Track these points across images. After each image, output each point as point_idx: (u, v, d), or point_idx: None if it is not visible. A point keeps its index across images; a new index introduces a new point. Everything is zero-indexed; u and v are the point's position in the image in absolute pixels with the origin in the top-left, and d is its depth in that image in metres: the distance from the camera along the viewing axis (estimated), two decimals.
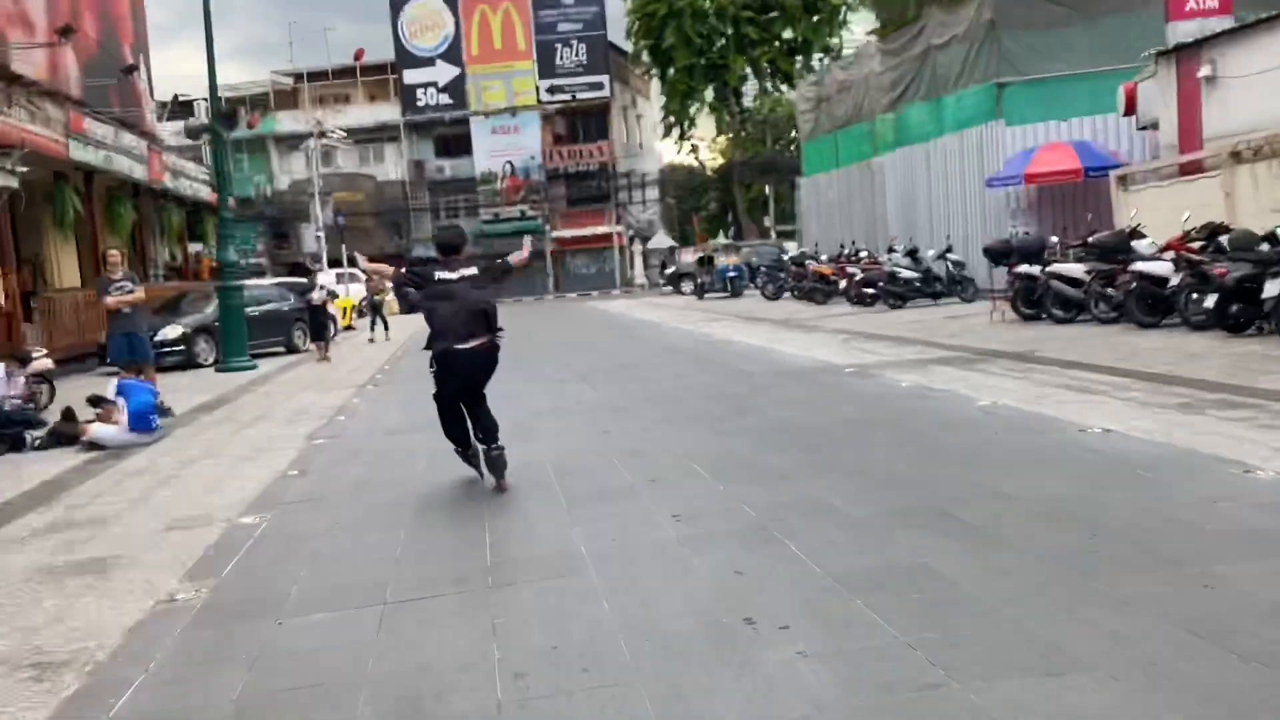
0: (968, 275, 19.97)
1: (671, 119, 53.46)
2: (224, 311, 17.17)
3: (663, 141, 55.42)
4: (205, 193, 28.36)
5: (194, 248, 31.11)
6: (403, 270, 6.82)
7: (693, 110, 53.55)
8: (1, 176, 14.11)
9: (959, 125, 21.04)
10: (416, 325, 10.10)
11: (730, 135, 55.95)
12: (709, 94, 53.59)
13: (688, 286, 36.86)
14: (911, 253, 21.12)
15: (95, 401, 9.51)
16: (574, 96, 51.89)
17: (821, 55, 50.33)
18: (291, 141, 51.59)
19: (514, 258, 7.53)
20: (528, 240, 7.95)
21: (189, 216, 29.70)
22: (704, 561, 4.25)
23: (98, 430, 9.13)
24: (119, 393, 9.38)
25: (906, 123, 23.47)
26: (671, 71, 51.48)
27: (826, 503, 5.06)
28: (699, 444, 7.00)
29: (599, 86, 51.77)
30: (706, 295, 31.85)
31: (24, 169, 15.18)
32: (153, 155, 23.44)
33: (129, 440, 9.15)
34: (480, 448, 6.50)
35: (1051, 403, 7.72)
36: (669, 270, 41.02)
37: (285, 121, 52.97)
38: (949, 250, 20.24)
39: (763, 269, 29.13)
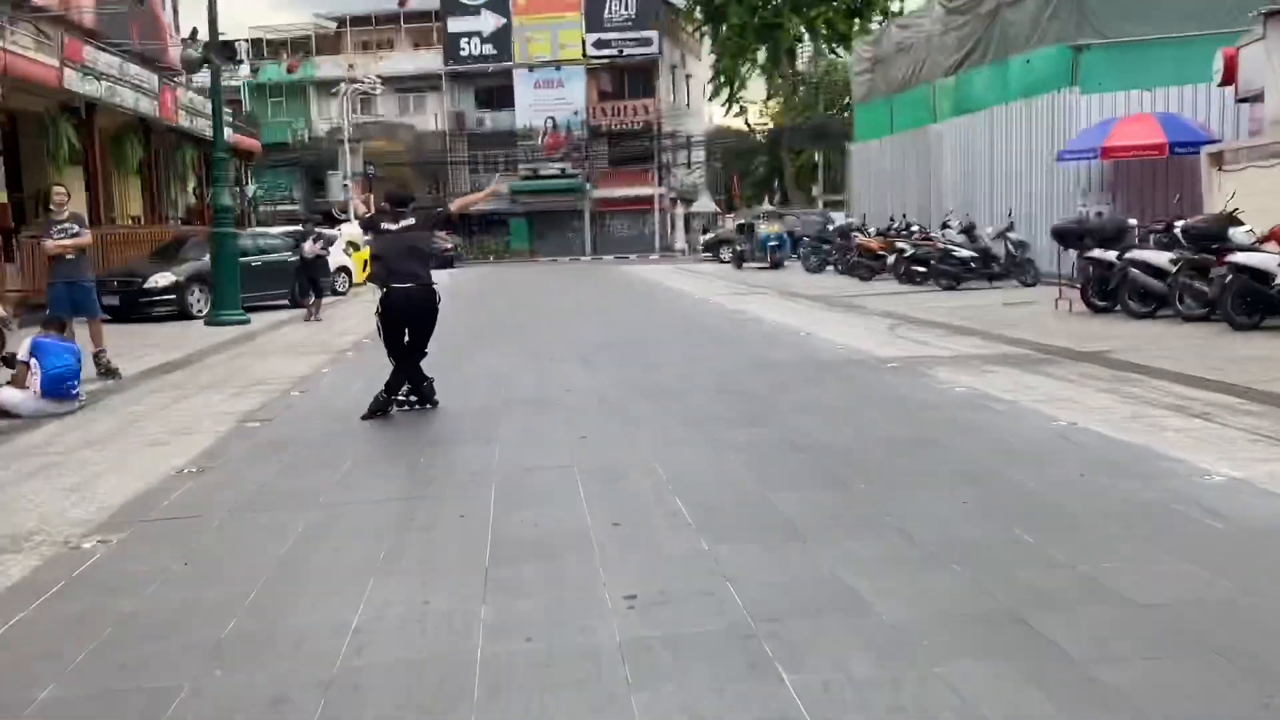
0: (1029, 257, 18.16)
1: (721, 79, 51.35)
2: (216, 260, 15.87)
3: (711, 102, 53.32)
4: (228, 134, 27.07)
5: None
6: (367, 216, 8.42)
7: (744, 71, 51.40)
8: None
9: (1027, 92, 19.08)
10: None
11: (781, 98, 53.75)
12: (761, 55, 51.37)
13: (727, 254, 35.23)
14: (968, 229, 19.31)
15: (8, 361, 8.21)
16: (621, 52, 49.99)
17: (881, 19, 47.93)
18: (331, 87, 50.29)
19: (454, 204, 8.69)
20: (496, 180, 8.56)
21: (209, 158, 28.54)
22: (648, 708, 2.73)
23: (4, 395, 7.82)
24: (33, 352, 8.03)
25: (969, 88, 21.53)
26: (724, 29, 49.35)
27: (852, 591, 3.51)
28: (693, 465, 5.49)
29: (647, 43, 49.81)
30: (745, 265, 30.19)
31: None
32: (165, 91, 22.14)
33: (40, 409, 7.83)
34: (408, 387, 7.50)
35: (1146, 428, 6.10)
36: (708, 236, 39.35)
37: (325, 67, 51.64)
38: (1010, 229, 18.41)
39: (806, 239, 27.40)
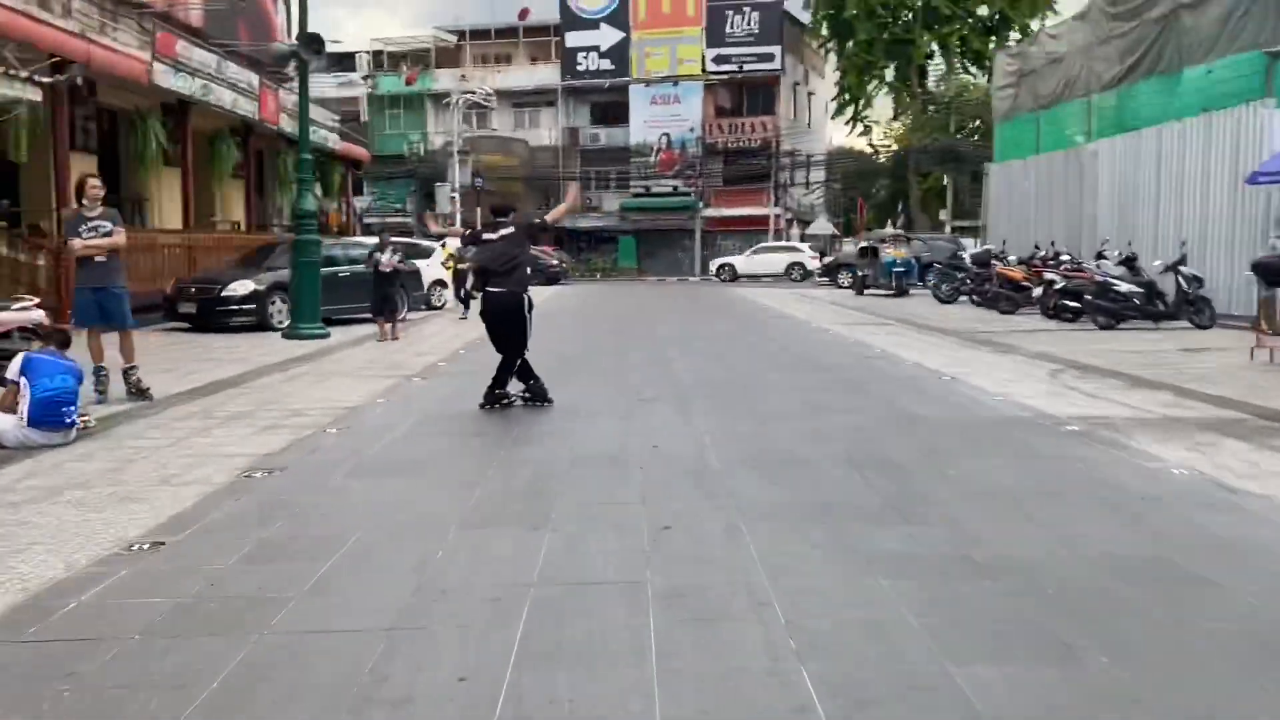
0: (1204, 295, 15.73)
1: (846, 96, 49.17)
2: (296, 269, 14.74)
3: (834, 120, 51.21)
4: (333, 140, 26.42)
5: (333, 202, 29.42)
6: (466, 233, 9.49)
7: (870, 88, 49.15)
8: (12, 86, 11.80)
9: (1207, 105, 16.67)
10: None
11: (909, 118, 51.21)
12: (889, 72, 49.07)
13: (846, 279, 33.12)
14: (1128, 261, 16.97)
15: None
16: (741, 67, 48.42)
17: (1020, 38, 45.13)
18: (448, 100, 50.01)
19: (550, 214, 8.98)
20: (573, 187, 10.30)
21: (319, 167, 27.92)
22: None
23: None
24: (24, 370, 6.73)
25: (1133, 102, 19.16)
26: (850, 45, 47.25)
27: None
28: (826, 601, 3.66)
29: (769, 58, 48.13)
30: (866, 291, 28.07)
31: (48, 79, 12.94)
32: (265, 93, 21.38)
33: (25, 439, 6.52)
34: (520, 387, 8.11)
35: None
36: (826, 260, 37.24)
37: (444, 79, 51.43)
38: (1182, 261, 15.99)
39: (937, 266, 25.17)
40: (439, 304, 20.74)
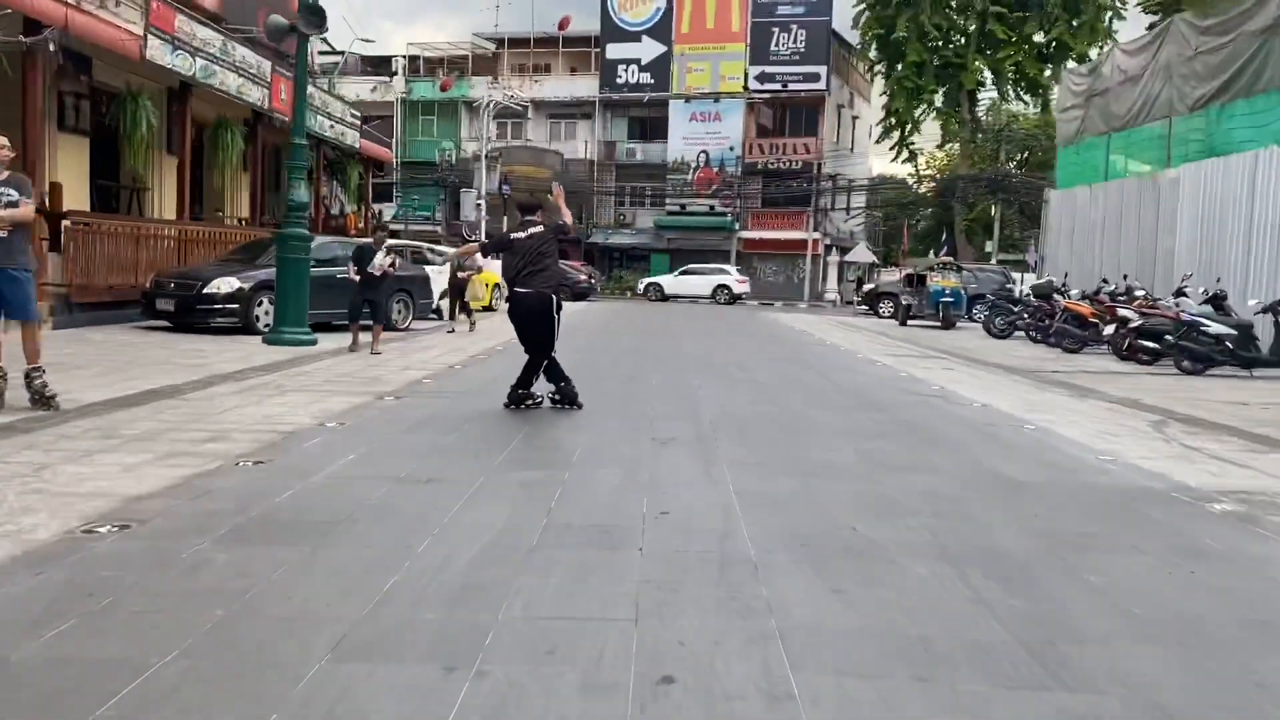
0: None
1: (892, 120, 47.36)
2: (281, 267, 13.18)
3: (878, 145, 49.34)
4: (351, 137, 24.96)
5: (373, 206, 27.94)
6: (486, 241, 9.39)
7: (918, 114, 47.31)
8: None
9: None
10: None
11: (957, 145, 49.33)
12: (939, 98, 47.26)
13: (888, 309, 31.30)
14: (1215, 299, 15.11)
15: None
16: (785, 86, 46.81)
17: (1076, 65, 43.19)
18: (477, 103, 48.70)
19: (565, 218, 8.22)
20: (557, 187, 8.49)
21: (337, 165, 26.50)
22: None
23: None
24: None
25: (1223, 124, 17.25)
26: (899, 67, 45.51)
27: None
28: None
29: (815, 78, 46.49)
30: (911, 321, 26.23)
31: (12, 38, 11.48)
32: (278, 81, 19.93)
33: None
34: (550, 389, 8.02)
35: None
36: (868, 287, 35.45)
37: (480, 87, 50.17)
38: None
39: (989, 298, 23.33)
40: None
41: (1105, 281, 18.66)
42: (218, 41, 17.43)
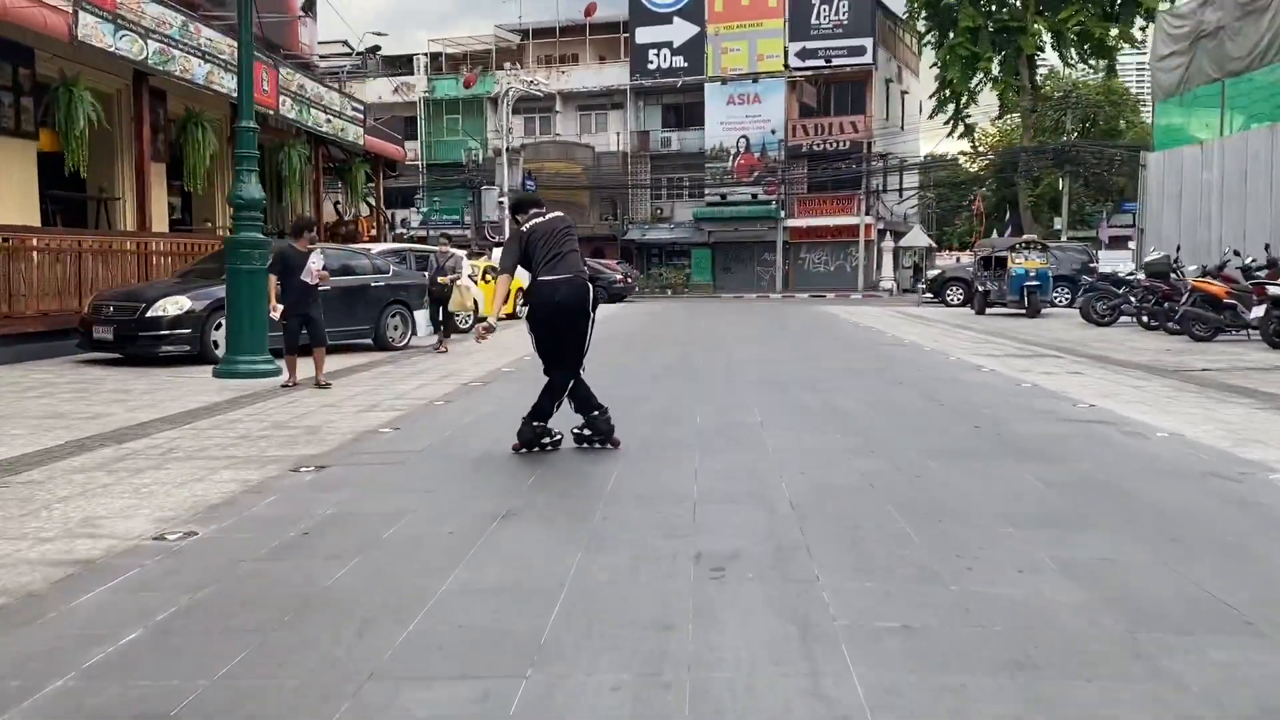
0: None
1: (946, 93, 44.00)
2: (232, 281, 10.58)
3: (930, 120, 46.02)
4: (353, 132, 22.43)
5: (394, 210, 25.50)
6: (501, 259, 6.33)
7: (973, 84, 43.88)
8: None
9: None
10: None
11: (1018, 115, 45.81)
12: (995, 66, 43.78)
13: (956, 296, 28.26)
14: None
15: None
16: (829, 62, 43.67)
17: (1145, 24, 39.59)
18: (496, 95, 46.16)
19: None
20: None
21: (341, 165, 24.03)
22: None
23: None
24: None
25: None
26: (952, 35, 42.18)
27: None
28: None
29: (860, 51, 43.34)
30: (988, 309, 23.21)
31: None
32: (258, 69, 17.38)
33: None
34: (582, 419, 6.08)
35: None
36: (933, 273, 32.36)
37: (505, 81, 47.65)
38: None
39: (1086, 281, 20.28)
40: (464, 326, 16.48)
41: (1235, 253, 15.54)
42: (175, 21, 14.92)
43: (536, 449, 6.00)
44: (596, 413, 6.08)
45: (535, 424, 5.98)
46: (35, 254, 12.49)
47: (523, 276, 6.04)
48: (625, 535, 4.12)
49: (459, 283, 14.31)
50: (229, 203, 12.06)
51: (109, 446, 6.44)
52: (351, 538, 4.15)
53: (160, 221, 16.68)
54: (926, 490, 4.98)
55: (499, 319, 6.05)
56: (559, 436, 6.09)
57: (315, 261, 9.04)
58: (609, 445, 6.10)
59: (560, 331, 5.89)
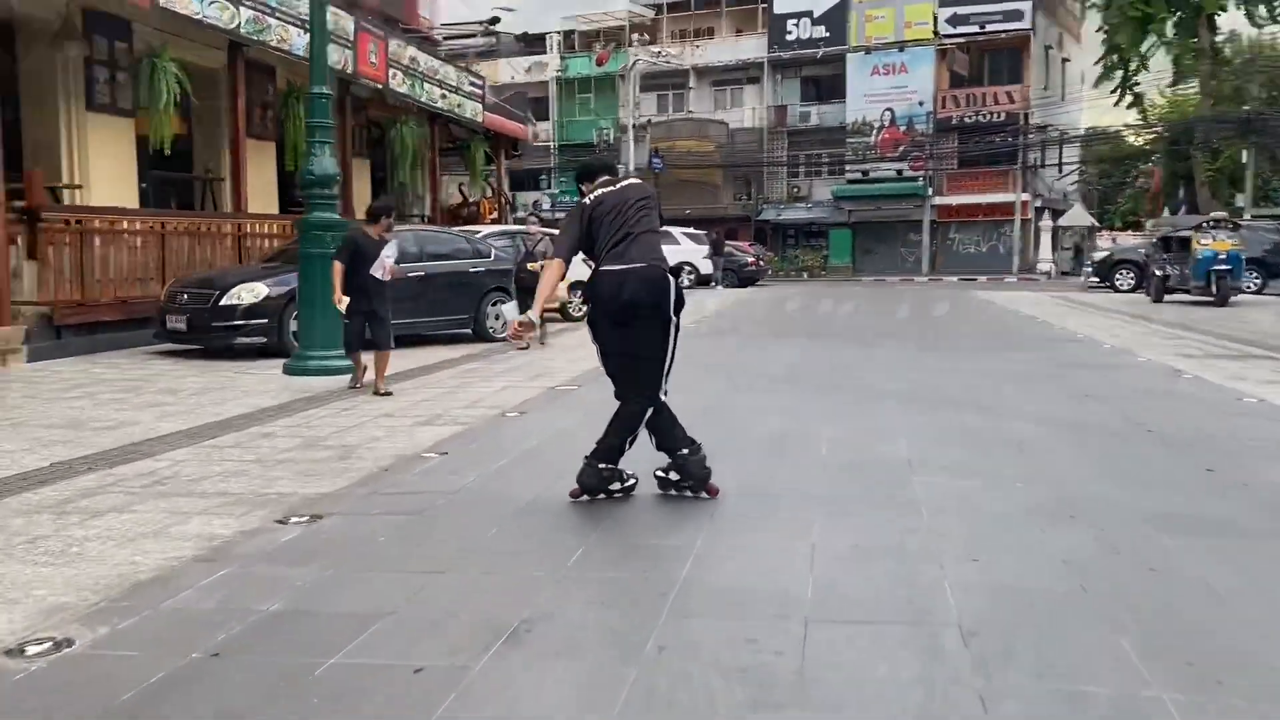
0: None
1: (1114, 58, 40.21)
2: (303, 267, 9.44)
3: (1096, 88, 42.21)
4: (471, 109, 21.37)
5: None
6: (559, 238, 4.75)
7: (1145, 47, 39.95)
8: None
9: None
10: None
11: (1196, 81, 41.58)
12: (1169, 27, 39.73)
13: (1126, 281, 25.43)
14: None
15: None
16: (983, 28, 40.58)
17: None
18: (643, 81, 44.77)
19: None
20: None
21: (461, 143, 23.07)
22: None
23: None
24: None
25: None
26: None
27: None
28: None
29: (1017, 16, 40.13)
30: (1167, 297, 20.52)
31: None
32: (365, 40, 16.45)
33: None
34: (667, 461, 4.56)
35: None
36: (1100, 254, 29.38)
37: (632, 55, 46.18)
38: None
39: None
40: (577, 315, 15.14)
41: None
42: None
43: (602, 495, 4.50)
44: (686, 450, 4.54)
45: (602, 466, 4.50)
46: (111, 238, 11.66)
47: (576, 268, 4.53)
48: (683, 695, 2.54)
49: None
50: (297, 180, 10.93)
51: (96, 472, 5.25)
52: (270, 670, 2.71)
53: (265, 202, 15.86)
54: (1172, 595, 3.21)
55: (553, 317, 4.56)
56: (632, 481, 4.60)
57: (389, 254, 7.71)
58: (701, 494, 4.55)
59: (629, 341, 4.43)
